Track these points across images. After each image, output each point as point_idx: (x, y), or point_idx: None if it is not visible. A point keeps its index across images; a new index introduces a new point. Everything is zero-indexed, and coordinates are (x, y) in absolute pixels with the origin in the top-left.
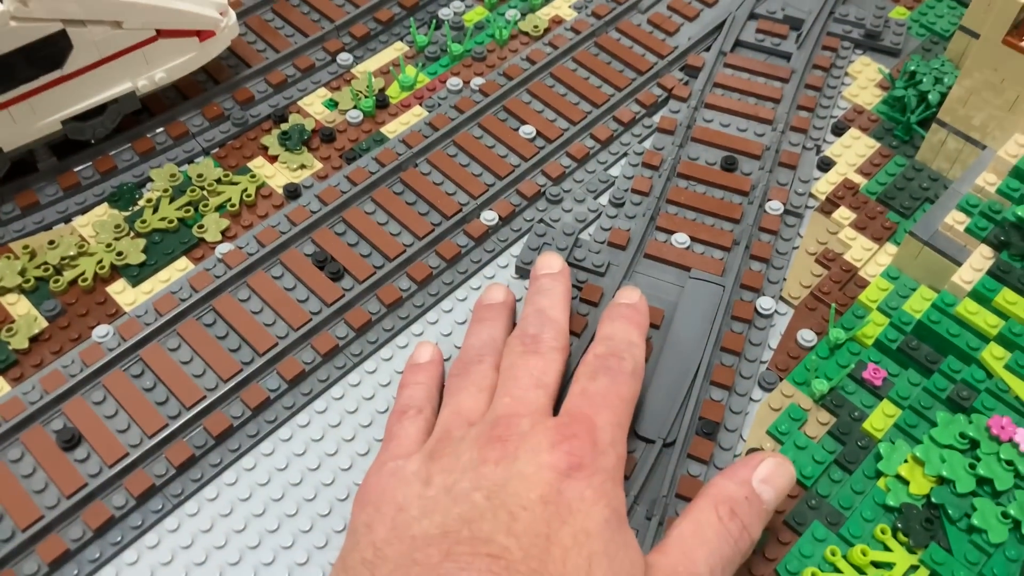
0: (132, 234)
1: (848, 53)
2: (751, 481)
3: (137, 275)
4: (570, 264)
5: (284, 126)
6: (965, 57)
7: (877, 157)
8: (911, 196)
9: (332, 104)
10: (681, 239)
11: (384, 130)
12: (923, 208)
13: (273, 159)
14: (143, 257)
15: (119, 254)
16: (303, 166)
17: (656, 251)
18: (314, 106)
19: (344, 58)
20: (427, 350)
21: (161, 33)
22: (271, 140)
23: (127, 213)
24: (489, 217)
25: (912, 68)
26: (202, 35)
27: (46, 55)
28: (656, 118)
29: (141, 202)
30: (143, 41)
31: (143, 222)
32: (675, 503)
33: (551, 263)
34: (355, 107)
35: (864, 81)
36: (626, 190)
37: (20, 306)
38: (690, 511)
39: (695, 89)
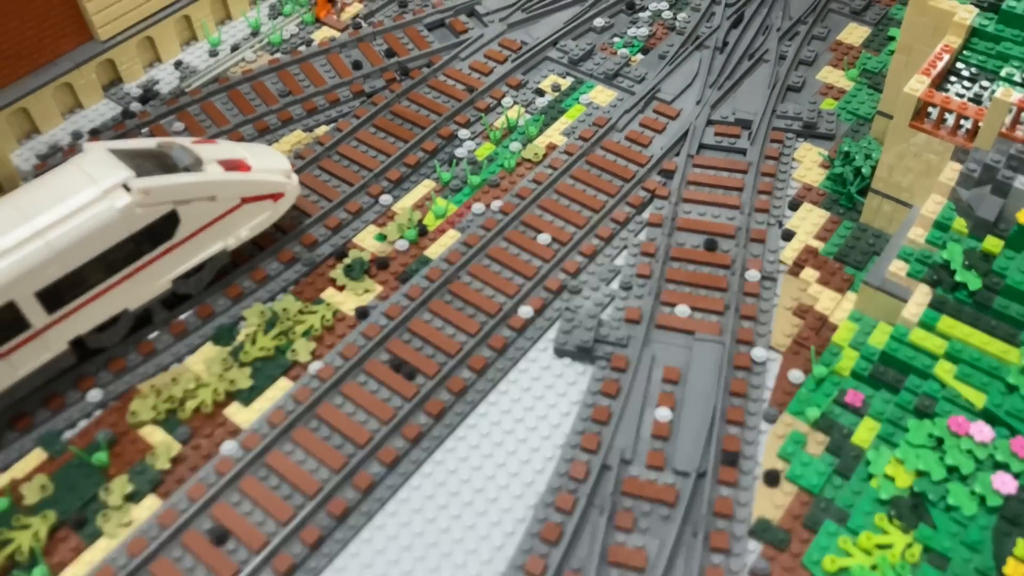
0: (237, 365)
1: (792, 142)
2: None
3: (248, 398)
4: (597, 341)
5: (346, 260)
6: (885, 136)
7: (829, 224)
8: (861, 252)
9: (381, 237)
10: (683, 310)
11: (427, 253)
12: (872, 260)
13: (341, 288)
14: (251, 382)
15: (231, 382)
16: (367, 291)
17: (665, 322)
18: (367, 241)
19: (385, 199)
20: None
21: (245, 200)
22: (337, 273)
23: (229, 348)
24: (525, 311)
25: (845, 149)
26: (275, 196)
27: (162, 230)
28: (646, 215)
29: (240, 338)
30: (231, 208)
31: (245, 353)
32: (713, 520)
33: None
34: (401, 237)
35: (809, 163)
36: (631, 276)
37: (156, 435)
38: None
39: (673, 188)
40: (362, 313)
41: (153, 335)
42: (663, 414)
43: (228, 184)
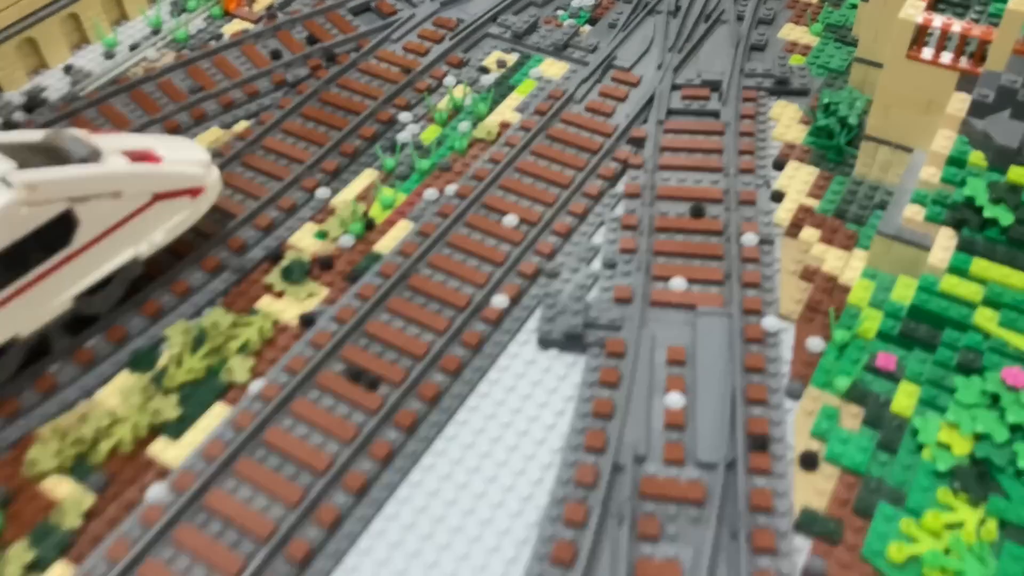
0: (161, 393)
1: (766, 100)
2: None
3: (177, 430)
4: (587, 325)
5: (282, 263)
6: (867, 82)
7: (820, 180)
8: (860, 206)
9: (322, 235)
10: (678, 283)
11: (377, 248)
12: (875, 214)
13: (279, 295)
14: (179, 411)
15: (154, 413)
16: (310, 295)
17: (660, 298)
18: (305, 240)
19: (322, 192)
20: None
21: (157, 196)
22: (274, 278)
23: (150, 375)
24: (499, 301)
25: (826, 101)
26: (194, 192)
27: (55, 235)
28: (620, 187)
29: (162, 361)
30: (141, 207)
31: (170, 378)
32: (752, 517)
33: None
34: (345, 233)
35: (787, 121)
36: (614, 252)
37: (62, 487)
38: None
39: (646, 156)
40: (307, 320)
41: (53, 367)
42: (674, 400)
43: (135, 177)
